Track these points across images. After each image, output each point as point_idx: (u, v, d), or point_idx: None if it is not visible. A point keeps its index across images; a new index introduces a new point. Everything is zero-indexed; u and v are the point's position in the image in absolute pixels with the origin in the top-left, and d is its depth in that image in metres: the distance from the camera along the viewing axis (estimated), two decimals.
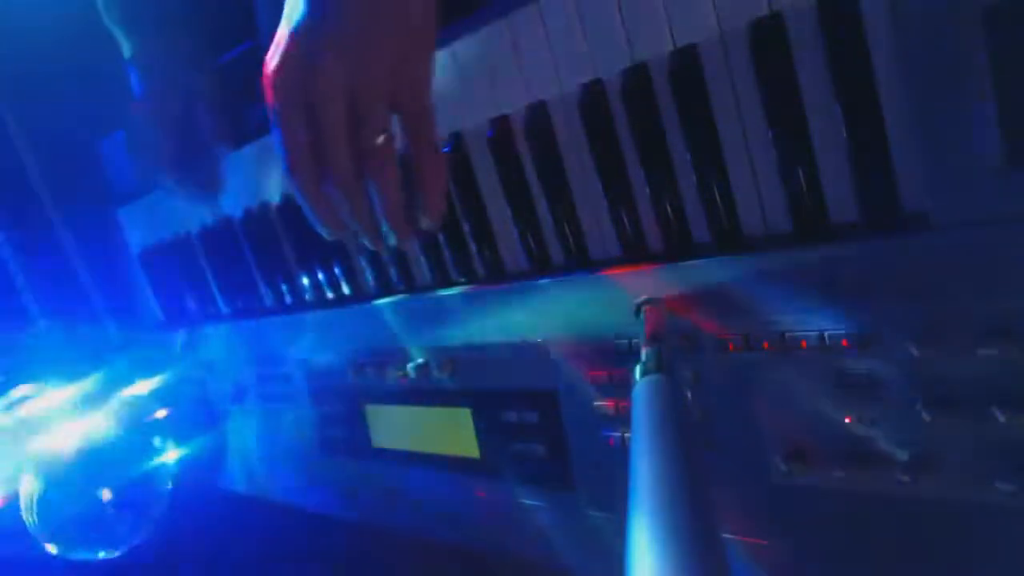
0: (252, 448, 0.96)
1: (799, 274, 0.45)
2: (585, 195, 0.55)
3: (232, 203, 0.85)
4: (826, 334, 0.44)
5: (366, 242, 0.48)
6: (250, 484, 0.99)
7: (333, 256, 0.75)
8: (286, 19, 0.43)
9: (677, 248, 0.52)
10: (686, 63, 0.48)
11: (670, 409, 0.40)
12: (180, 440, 0.99)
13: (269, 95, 0.43)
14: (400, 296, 0.70)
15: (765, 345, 0.47)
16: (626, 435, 0.55)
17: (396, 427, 0.75)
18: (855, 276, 0.43)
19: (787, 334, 0.46)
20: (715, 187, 0.49)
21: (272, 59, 0.43)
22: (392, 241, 0.47)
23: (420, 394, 0.70)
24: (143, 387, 0.99)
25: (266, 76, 0.43)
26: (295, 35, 0.42)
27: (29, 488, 0.88)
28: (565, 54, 0.53)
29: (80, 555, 0.89)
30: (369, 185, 0.44)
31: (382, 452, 0.76)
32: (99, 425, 0.93)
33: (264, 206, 0.81)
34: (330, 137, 0.42)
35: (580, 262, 0.57)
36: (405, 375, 0.68)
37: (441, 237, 0.65)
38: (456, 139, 0.61)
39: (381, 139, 0.43)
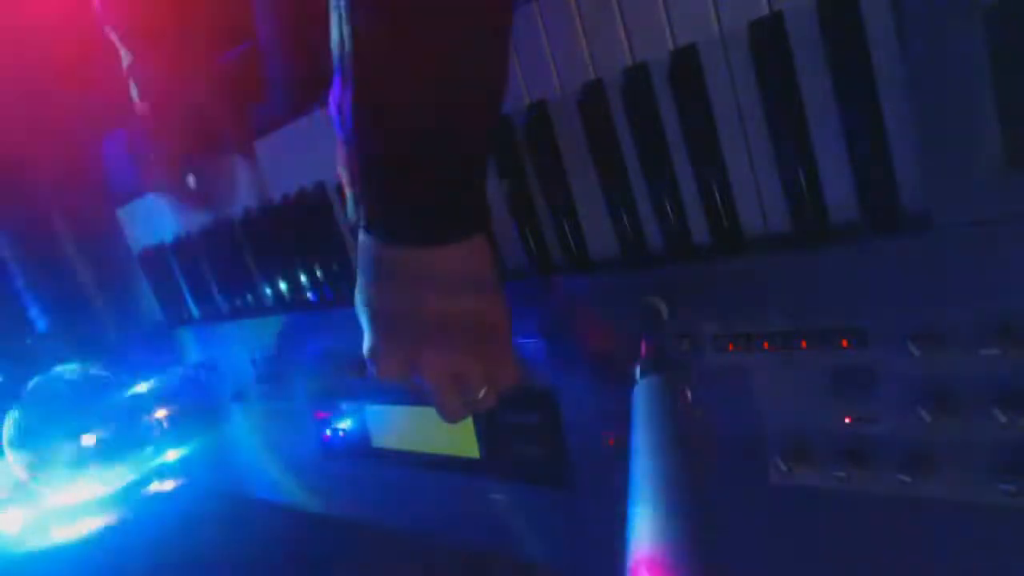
0: (252, 448, 0.96)
1: (799, 274, 0.45)
2: (585, 195, 0.55)
3: (233, 202, 0.85)
4: (826, 334, 0.44)
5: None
6: (250, 484, 0.99)
7: (333, 256, 0.75)
8: (371, 320, 0.50)
9: (677, 248, 0.52)
10: (686, 63, 0.48)
11: (670, 409, 0.40)
12: (180, 440, 0.99)
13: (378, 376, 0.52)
14: None
15: (765, 345, 0.47)
16: (626, 435, 0.55)
17: (396, 427, 0.75)
18: (855, 276, 0.43)
19: (787, 334, 0.46)
20: (715, 187, 0.49)
21: (373, 356, 0.51)
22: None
23: (420, 394, 0.69)
24: (143, 387, 0.99)
25: (372, 368, 0.52)
26: (390, 336, 0.50)
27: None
28: (565, 54, 0.53)
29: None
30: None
31: (382, 452, 0.76)
32: (99, 424, 0.93)
33: (264, 206, 0.81)
34: (439, 401, 0.53)
35: (580, 262, 0.57)
36: None
37: None
38: None
39: (482, 393, 0.53)
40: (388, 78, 0.43)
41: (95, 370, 0.96)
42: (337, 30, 0.43)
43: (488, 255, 0.51)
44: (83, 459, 0.90)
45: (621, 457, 0.55)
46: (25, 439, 0.89)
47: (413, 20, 0.41)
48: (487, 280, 0.51)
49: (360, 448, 0.78)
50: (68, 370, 0.95)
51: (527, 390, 0.61)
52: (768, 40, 0.44)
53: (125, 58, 0.79)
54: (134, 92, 0.80)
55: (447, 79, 0.43)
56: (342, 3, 0.42)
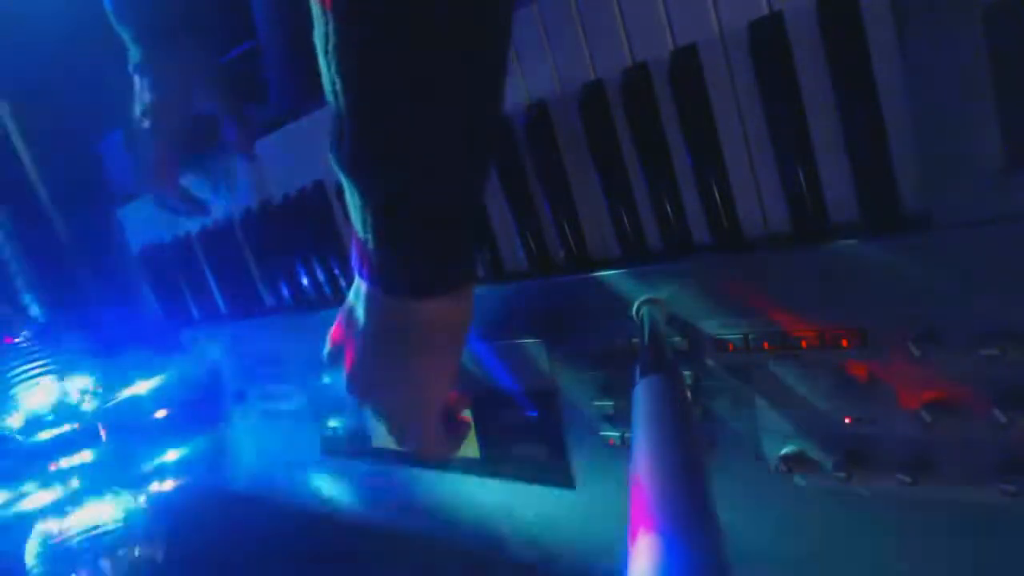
0: (252, 448, 0.96)
1: (799, 274, 0.45)
2: (585, 195, 0.55)
3: (232, 203, 0.85)
4: (826, 334, 0.44)
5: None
6: (250, 484, 0.99)
7: (332, 256, 0.75)
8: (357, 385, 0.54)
9: (677, 248, 0.52)
10: (686, 63, 0.48)
11: (670, 409, 0.40)
12: (180, 440, 0.99)
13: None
14: None
15: (765, 345, 0.47)
16: (626, 435, 0.55)
17: None
18: (855, 276, 0.43)
19: (787, 334, 0.46)
20: (715, 187, 0.49)
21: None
22: None
23: None
24: (143, 387, 0.99)
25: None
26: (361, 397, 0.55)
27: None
28: (565, 54, 0.53)
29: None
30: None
31: (382, 452, 0.76)
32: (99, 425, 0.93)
33: (264, 206, 0.81)
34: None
35: (580, 262, 0.57)
36: None
37: None
38: None
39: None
40: (385, 134, 0.41)
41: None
42: (328, 81, 0.41)
43: (468, 312, 0.52)
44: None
45: (621, 457, 0.56)
46: None
47: (412, 78, 0.40)
48: (454, 346, 0.53)
49: (360, 448, 0.78)
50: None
51: (527, 390, 0.61)
52: (768, 40, 0.44)
53: (133, 57, 0.79)
54: (138, 91, 0.80)
55: (446, 127, 0.42)
56: (332, 61, 0.40)
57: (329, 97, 0.42)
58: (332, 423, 0.81)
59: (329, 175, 0.72)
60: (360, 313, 0.51)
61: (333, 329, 0.57)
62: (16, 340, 0.94)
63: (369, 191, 0.43)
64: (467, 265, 0.50)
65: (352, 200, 0.45)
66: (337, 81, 0.40)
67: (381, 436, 0.76)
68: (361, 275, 0.49)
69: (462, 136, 0.43)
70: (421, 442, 0.57)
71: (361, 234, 0.46)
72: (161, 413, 0.99)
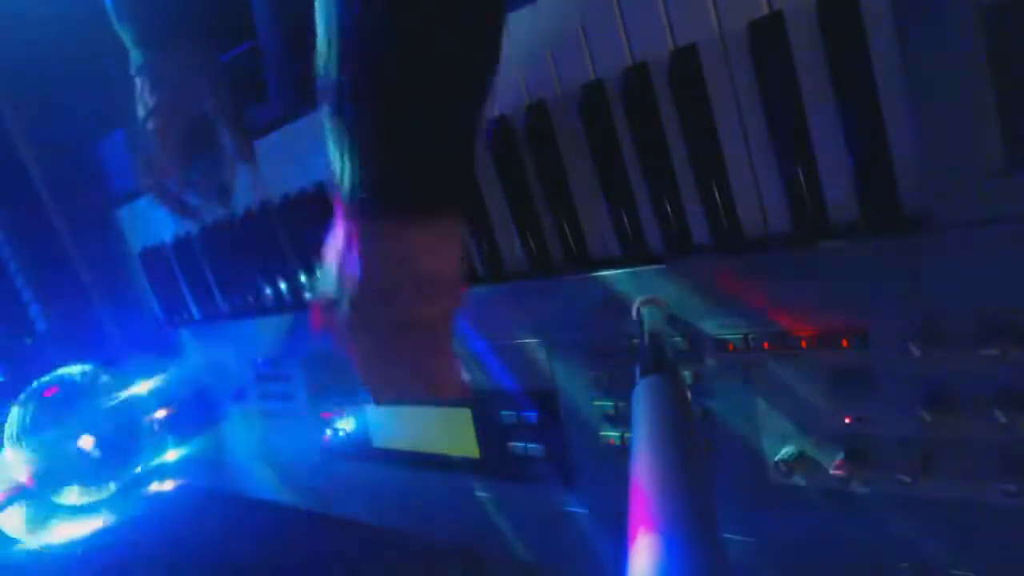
0: (252, 448, 0.96)
1: (799, 274, 0.45)
2: (585, 195, 0.55)
3: (233, 204, 0.85)
4: (826, 334, 0.44)
5: None
6: (250, 484, 0.99)
7: None
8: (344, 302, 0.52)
9: (677, 248, 0.52)
10: (686, 63, 0.48)
11: (670, 409, 0.40)
12: (180, 440, 0.99)
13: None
14: None
15: (765, 345, 0.47)
16: (626, 435, 0.55)
17: (396, 427, 0.75)
18: (855, 276, 0.43)
19: (787, 334, 0.46)
20: (715, 187, 0.49)
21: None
22: None
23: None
24: (143, 387, 0.99)
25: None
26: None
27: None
28: (565, 54, 0.53)
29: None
30: None
31: (382, 452, 0.76)
32: (100, 426, 0.94)
33: (264, 206, 0.81)
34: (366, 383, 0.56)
35: (580, 262, 0.57)
36: None
37: None
38: None
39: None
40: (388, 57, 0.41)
41: (98, 372, 0.96)
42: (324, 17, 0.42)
43: (458, 243, 0.49)
44: (83, 460, 0.91)
45: (621, 457, 0.56)
46: (27, 437, 0.89)
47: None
48: (450, 277, 0.49)
49: (361, 448, 0.78)
50: (73, 371, 0.95)
51: (527, 390, 0.61)
52: (768, 40, 0.44)
53: (134, 59, 0.79)
54: (140, 93, 0.80)
55: (444, 49, 0.41)
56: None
57: (322, 47, 0.42)
58: (332, 423, 0.81)
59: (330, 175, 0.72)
60: (354, 260, 0.49)
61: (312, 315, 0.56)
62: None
63: (368, 121, 0.44)
64: (460, 189, 0.48)
65: (344, 142, 0.45)
66: (334, 27, 0.41)
67: (381, 436, 0.76)
68: (350, 217, 0.48)
69: (461, 54, 0.43)
70: (438, 376, 0.52)
71: (356, 165, 0.46)
72: (161, 413, 0.99)
